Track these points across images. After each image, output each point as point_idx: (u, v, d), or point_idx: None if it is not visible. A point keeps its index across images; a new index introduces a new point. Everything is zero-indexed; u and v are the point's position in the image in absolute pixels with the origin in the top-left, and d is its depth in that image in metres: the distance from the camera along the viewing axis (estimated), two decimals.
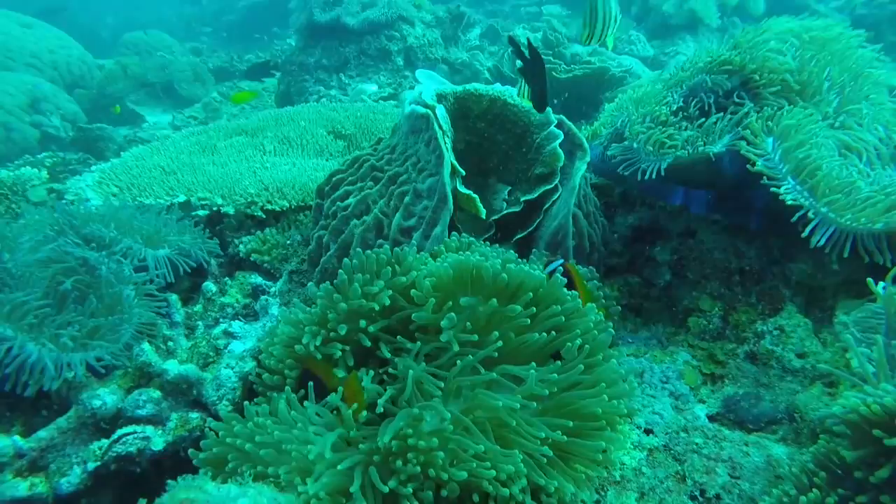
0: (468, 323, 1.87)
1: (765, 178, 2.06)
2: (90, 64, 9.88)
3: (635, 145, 2.53)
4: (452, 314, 1.85)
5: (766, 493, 1.59)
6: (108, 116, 8.77)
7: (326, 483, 1.67)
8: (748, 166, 2.14)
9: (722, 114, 2.32)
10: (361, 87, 8.64)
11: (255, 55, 12.26)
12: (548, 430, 1.61)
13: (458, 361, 1.83)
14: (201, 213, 3.62)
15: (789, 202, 1.96)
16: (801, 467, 1.48)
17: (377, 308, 2.00)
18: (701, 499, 1.63)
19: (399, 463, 1.64)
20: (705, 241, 2.71)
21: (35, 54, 9.04)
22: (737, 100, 2.37)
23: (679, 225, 3.01)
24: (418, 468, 1.60)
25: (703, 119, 2.41)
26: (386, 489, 1.61)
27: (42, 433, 2.36)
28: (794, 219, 1.95)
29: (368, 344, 1.99)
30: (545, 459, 1.59)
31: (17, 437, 2.35)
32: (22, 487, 2.25)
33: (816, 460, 1.46)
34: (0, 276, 2.54)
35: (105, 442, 2.35)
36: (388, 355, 1.98)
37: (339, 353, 2.00)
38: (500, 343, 1.78)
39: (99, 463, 2.31)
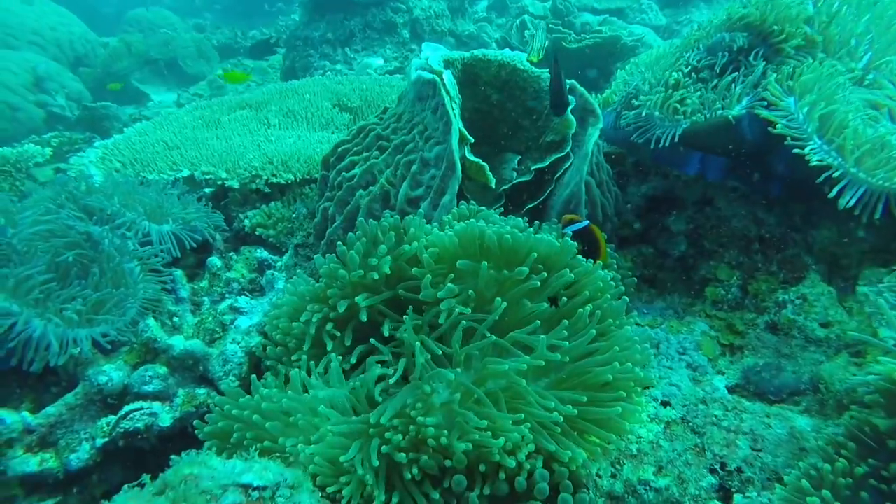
0: (471, 291, 1.80)
1: (788, 139, 1.96)
2: (93, 42, 9.78)
3: (647, 112, 2.43)
4: (451, 285, 1.79)
5: (791, 465, 1.53)
6: (113, 94, 8.70)
7: (327, 449, 1.63)
8: (770, 129, 2.04)
9: (738, 74, 2.20)
10: (367, 62, 8.48)
11: (260, 31, 12.08)
12: (558, 402, 1.55)
13: (464, 331, 1.77)
14: (207, 190, 3.56)
15: (814, 162, 1.86)
16: (829, 439, 1.42)
17: (377, 277, 1.93)
18: (721, 472, 1.57)
19: (399, 437, 1.59)
20: (722, 209, 2.61)
21: (37, 31, 8.95)
22: (754, 60, 2.25)
23: (695, 193, 2.91)
24: (425, 437, 1.55)
25: (719, 81, 2.29)
26: (376, 462, 1.56)
27: (51, 409, 2.34)
28: (821, 179, 1.85)
29: (364, 319, 1.93)
30: (558, 429, 1.53)
31: (25, 413, 2.33)
32: (32, 463, 2.24)
33: (847, 432, 1.39)
34: (4, 251, 2.50)
35: (113, 418, 2.33)
36: (387, 333, 1.92)
37: (330, 344, 1.95)
38: (503, 305, 1.71)
39: (107, 439, 2.29)
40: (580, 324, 1.73)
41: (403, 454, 1.56)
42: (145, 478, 1.48)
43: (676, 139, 2.20)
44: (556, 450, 1.49)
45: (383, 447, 1.60)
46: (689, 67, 2.34)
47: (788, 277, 2.22)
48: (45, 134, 6.96)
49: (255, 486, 1.49)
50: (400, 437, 1.59)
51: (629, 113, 2.50)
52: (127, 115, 7.89)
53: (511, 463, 1.50)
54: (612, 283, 1.84)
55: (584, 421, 1.59)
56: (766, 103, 2.08)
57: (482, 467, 1.55)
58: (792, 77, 2.10)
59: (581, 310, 1.73)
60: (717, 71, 2.31)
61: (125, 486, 1.44)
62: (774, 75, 2.08)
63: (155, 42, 9.74)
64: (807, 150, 1.90)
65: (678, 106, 2.23)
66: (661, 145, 2.24)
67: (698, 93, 2.19)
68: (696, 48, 2.43)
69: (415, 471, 1.57)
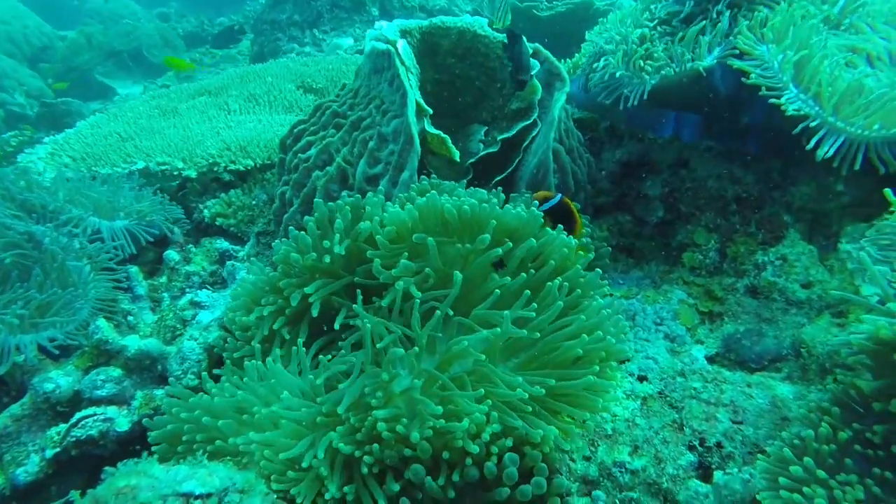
0: (428, 269, 1.68)
1: (763, 89, 1.83)
2: (50, 35, 9.42)
3: (612, 69, 2.28)
4: (407, 262, 1.66)
5: (773, 436, 1.43)
6: (78, 90, 8.41)
7: (280, 445, 1.52)
8: (743, 79, 1.91)
9: (706, 23, 2.06)
10: (337, 42, 8.24)
11: (228, 18, 11.72)
12: (526, 381, 1.44)
13: (427, 312, 1.65)
14: (174, 183, 3.38)
15: (791, 112, 1.73)
16: (812, 406, 1.32)
17: (329, 260, 1.80)
18: (700, 448, 1.47)
19: (354, 428, 1.47)
20: (698, 170, 2.50)
21: None
22: (723, 7, 2.11)
23: (670, 155, 2.79)
24: (380, 431, 1.44)
25: (686, 32, 2.15)
26: (325, 457, 1.44)
27: None
28: (797, 130, 1.73)
29: (315, 314, 1.81)
30: (528, 408, 1.42)
31: None
32: None
33: (832, 397, 1.30)
34: None
35: (64, 427, 2.20)
36: (337, 326, 1.80)
37: (279, 349, 1.82)
38: (460, 277, 1.59)
39: (58, 449, 2.16)
40: (549, 298, 1.61)
41: (356, 448, 1.45)
42: (73, 495, 1.36)
43: (646, 97, 2.06)
44: (524, 428, 1.38)
45: (340, 442, 1.49)
46: (656, 20, 2.20)
47: (768, 238, 2.11)
48: (4, 134, 6.71)
49: (196, 494, 1.37)
50: (355, 428, 1.48)
51: (595, 75, 2.36)
52: (91, 110, 7.62)
53: (475, 448, 1.39)
54: (581, 252, 1.71)
55: (554, 399, 1.49)
56: (738, 52, 1.95)
57: (446, 454, 1.44)
58: (765, 24, 1.97)
59: (550, 283, 1.61)
60: (683, 21, 2.17)
61: None
62: (746, 22, 1.94)
63: (116, 33, 9.40)
64: (783, 99, 1.77)
65: (643, 63, 2.09)
66: (630, 104, 2.11)
67: (663, 46, 2.05)
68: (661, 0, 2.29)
69: (373, 465, 1.45)
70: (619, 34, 2.26)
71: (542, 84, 2.71)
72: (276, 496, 1.54)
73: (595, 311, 1.53)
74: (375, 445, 1.44)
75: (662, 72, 2.04)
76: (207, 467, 1.48)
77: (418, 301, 1.60)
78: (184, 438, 1.61)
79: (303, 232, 1.95)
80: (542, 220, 1.79)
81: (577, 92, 3.17)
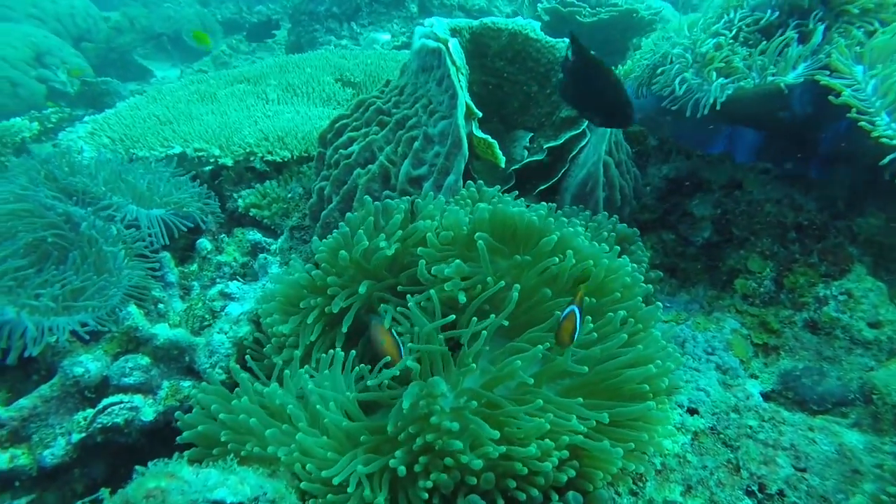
0: (489, 278, 1.59)
1: (854, 111, 1.70)
2: (95, 16, 9.52)
3: (683, 75, 2.16)
4: (459, 261, 1.58)
5: (844, 490, 1.33)
6: (116, 70, 8.49)
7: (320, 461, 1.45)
8: (831, 97, 1.77)
9: (790, 34, 1.93)
10: (374, 37, 8.21)
11: (266, 6, 11.77)
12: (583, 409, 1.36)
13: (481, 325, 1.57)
14: (207, 168, 3.36)
15: (884, 142, 1.60)
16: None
17: (388, 254, 1.73)
18: (760, 495, 1.38)
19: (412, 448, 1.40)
20: (754, 193, 2.38)
21: (36, 4, 8.72)
22: (812, 23, 1.98)
23: (722, 175, 2.68)
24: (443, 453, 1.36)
25: (768, 44, 2.02)
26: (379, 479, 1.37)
27: (24, 401, 2.19)
28: (885, 161, 1.61)
29: (351, 318, 1.74)
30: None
31: None
32: (2, 460, 2.09)
33: None
34: None
35: (91, 412, 2.18)
36: (387, 324, 1.73)
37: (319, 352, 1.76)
38: (518, 289, 1.52)
39: (84, 434, 2.14)
40: (608, 327, 1.52)
41: (412, 469, 1.38)
42: (104, 492, 1.31)
43: (718, 107, 1.95)
44: (595, 449, 1.28)
45: (392, 462, 1.41)
46: (735, 28, 2.07)
47: (831, 270, 2.00)
48: (45, 110, 6.78)
49: (227, 502, 1.32)
50: (409, 450, 1.40)
51: (660, 78, 2.24)
52: (128, 90, 7.68)
53: (541, 480, 1.31)
54: (640, 280, 1.62)
55: (608, 427, 1.40)
56: (828, 71, 1.82)
57: (511, 482, 1.35)
58: (862, 44, 1.84)
59: (611, 314, 1.52)
60: (761, 32, 2.05)
61: None
62: (843, 40, 1.82)
63: (158, 16, 9.49)
64: (878, 126, 1.63)
65: (715, 73, 1.97)
66: (698, 114, 1.99)
67: (742, 56, 1.94)
68: (740, 7, 2.16)
69: (431, 490, 1.37)
70: (688, 40, 2.15)
71: None
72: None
73: (653, 342, 1.45)
74: (435, 472, 1.36)
75: (740, 83, 1.93)
76: (238, 474, 1.43)
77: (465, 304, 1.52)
78: (223, 439, 1.55)
79: (346, 231, 1.89)
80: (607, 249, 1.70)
81: None
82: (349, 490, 1.37)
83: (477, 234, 1.65)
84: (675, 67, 2.11)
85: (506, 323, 1.54)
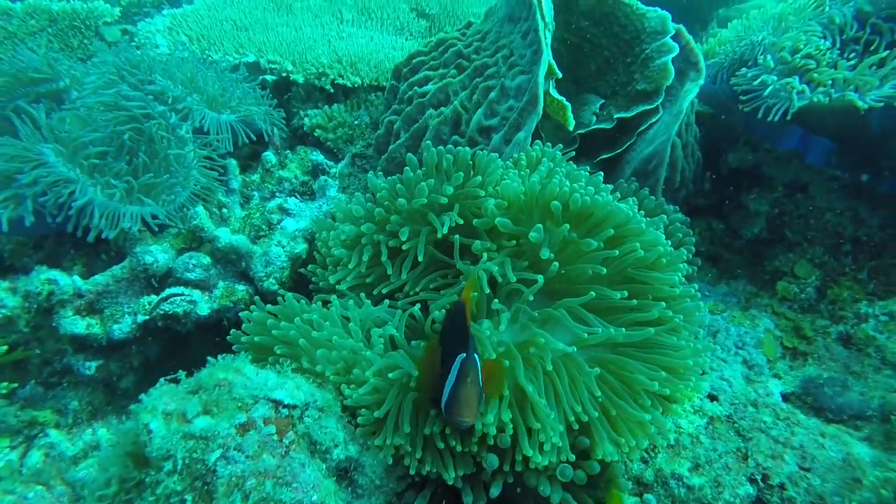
0: (545, 251, 1.67)
1: None
2: None
3: (763, 78, 2.14)
4: (540, 225, 1.67)
5: (840, 494, 1.43)
6: None
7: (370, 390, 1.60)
8: None
9: (887, 52, 1.89)
10: None
11: None
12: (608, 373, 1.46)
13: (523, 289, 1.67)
14: (269, 77, 3.43)
15: None
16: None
17: (443, 201, 1.82)
18: (762, 484, 1.49)
19: None
20: (817, 199, 2.38)
21: None
22: None
23: (788, 174, 2.66)
24: None
25: (862, 57, 1.98)
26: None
27: (99, 278, 2.38)
28: None
29: (421, 257, 1.84)
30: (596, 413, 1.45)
31: (76, 277, 2.38)
32: (80, 325, 2.31)
33: None
34: (69, 116, 2.46)
35: (154, 298, 2.37)
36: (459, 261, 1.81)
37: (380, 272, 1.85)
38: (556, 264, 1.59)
39: (147, 317, 2.33)
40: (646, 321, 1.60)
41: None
42: (181, 374, 1.48)
43: (789, 116, 1.95)
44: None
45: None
46: (833, 27, 2.02)
47: (878, 290, 2.03)
48: None
49: (285, 403, 1.48)
50: None
51: (741, 76, 2.22)
52: None
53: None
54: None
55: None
56: None
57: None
58: None
59: (653, 311, 1.58)
60: (853, 39, 2.00)
61: (161, 380, 1.44)
62: None
63: None
64: None
65: (798, 81, 1.95)
66: (770, 118, 1.99)
67: (831, 69, 1.91)
68: (843, 5, 2.09)
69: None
70: (775, 40, 2.11)
71: (675, 69, 2.58)
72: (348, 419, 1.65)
73: (691, 349, 1.53)
74: None
75: (814, 97, 1.91)
76: (294, 380, 1.58)
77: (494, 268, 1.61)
78: (277, 351, 1.70)
79: (411, 176, 1.96)
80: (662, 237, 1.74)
81: (704, 83, 3.01)
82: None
83: (527, 205, 1.71)
84: (762, 65, 2.08)
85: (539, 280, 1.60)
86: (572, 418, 1.39)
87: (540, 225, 1.67)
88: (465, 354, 1.34)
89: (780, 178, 2.62)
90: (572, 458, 1.40)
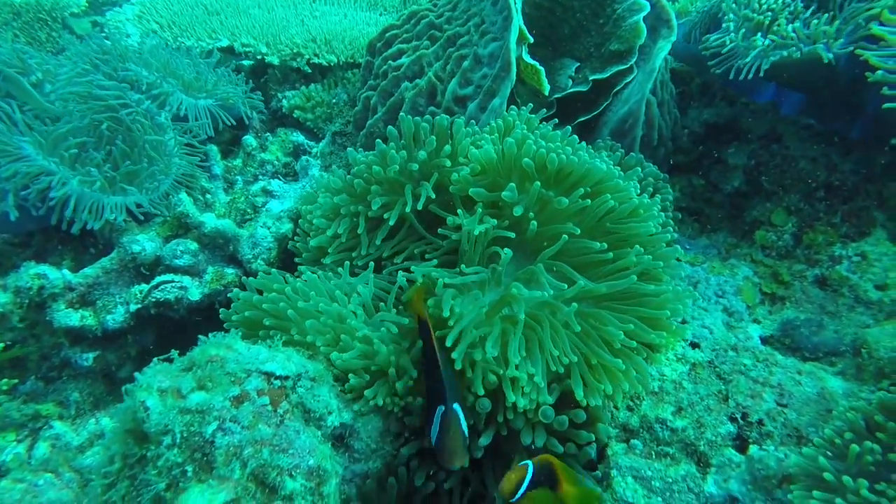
0: (519, 209, 1.71)
1: (885, 89, 1.73)
2: None
3: (733, 39, 2.15)
4: (513, 184, 1.70)
5: (815, 425, 1.49)
6: None
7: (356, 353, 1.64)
8: (867, 74, 1.80)
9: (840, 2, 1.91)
10: None
11: None
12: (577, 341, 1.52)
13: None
14: (246, 62, 3.41)
15: None
16: (861, 407, 1.37)
17: (414, 169, 1.85)
18: (742, 422, 1.55)
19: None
20: (791, 148, 2.41)
21: None
22: None
23: (763, 125, 2.69)
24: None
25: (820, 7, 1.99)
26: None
27: (89, 270, 2.41)
28: None
29: (392, 222, 1.87)
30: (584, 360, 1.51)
31: (66, 271, 2.40)
32: (74, 318, 2.34)
33: (880, 402, 1.34)
34: (42, 109, 2.45)
35: (145, 286, 2.39)
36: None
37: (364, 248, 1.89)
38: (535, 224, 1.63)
39: (140, 305, 2.37)
40: (626, 271, 1.64)
41: None
42: (174, 353, 1.52)
43: (761, 73, 1.97)
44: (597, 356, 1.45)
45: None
46: None
47: (851, 232, 2.07)
48: None
49: (277, 374, 1.52)
50: None
51: (710, 36, 2.24)
52: None
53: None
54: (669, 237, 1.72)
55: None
56: (868, 35, 1.82)
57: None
58: None
59: (630, 260, 1.62)
60: None
61: (155, 360, 1.47)
62: (891, 1, 1.80)
63: None
64: None
65: (770, 39, 1.97)
66: (742, 77, 2.01)
67: (793, 24, 1.93)
68: None
69: None
70: None
71: (648, 28, 2.59)
72: (340, 388, 1.70)
73: (667, 290, 1.57)
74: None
75: (784, 52, 1.93)
76: (285, 352, 1.62)
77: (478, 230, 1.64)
78: (266, 323, 1.74)
79: (384, 148, 1.98)
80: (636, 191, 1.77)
81: (677, 41, 3.02)
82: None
83: (501, 167, 1.74)
84: (726, 26, 2.10)
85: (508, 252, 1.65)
86: (554, 367, 1.45)
87: (513, 184, 1.70)
88: (444, 407, 1.39)
89: (756, 130, 2.66)
90: (550, 399, 1.46)
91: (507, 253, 1.64)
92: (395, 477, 1.63)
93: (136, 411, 1.35)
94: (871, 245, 2.03)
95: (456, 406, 1.39)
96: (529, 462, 1.33)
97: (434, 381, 1.47)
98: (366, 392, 1.56)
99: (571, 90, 2.66)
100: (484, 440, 1.53)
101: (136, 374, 1.39)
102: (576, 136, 2.03)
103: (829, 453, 1.29)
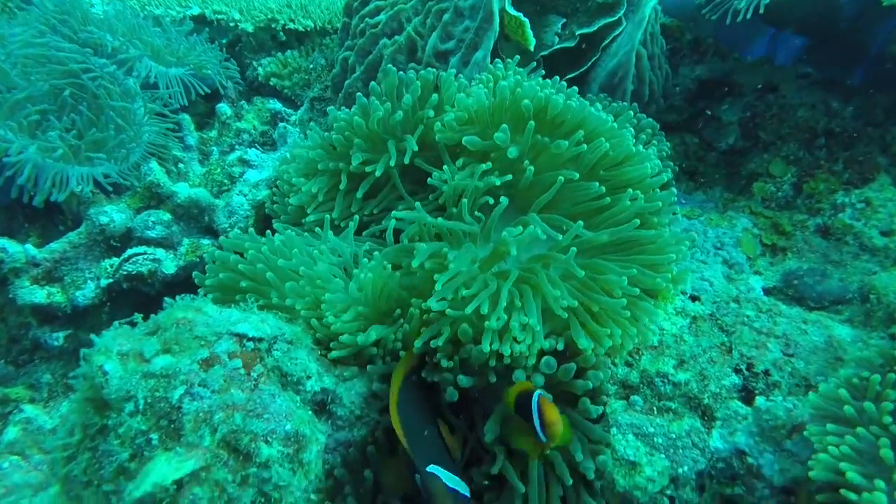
0: (514, 150, 1.60)
1: None
2: None
3: None
4: (506, 126, 1.59)
5: (824, 374, 1.41)
6: None
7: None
8: None
9: None
10: None
11: None
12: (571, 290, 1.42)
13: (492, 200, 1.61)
14: (226, 38, 3.25)
15: None
16: (879, 350, 1.28)
17: (397, 118, 1.73)
18: (747, 373, 1.46)
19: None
20: (788, 97, 2.32)
21: None
22: None
23: (757, 78, 2.59)
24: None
25: None
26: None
27: (55, 245, 2.28)
28: None
29: (378, 174, 1.76)
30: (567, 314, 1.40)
31: (29, 246, 2.28)
32: (40, 294, 2.22)
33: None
34: None
35: (116, 260, 2.27)
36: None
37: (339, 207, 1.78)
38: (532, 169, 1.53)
39: (111, 280, 2.25)
40: (623, 215, 1.54)
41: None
42: (137, 317, 1.41)
43: (761, 10, 1.86)
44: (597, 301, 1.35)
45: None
46: None
47: (854, 178, 1.98)
48: None
49: (250, 336, 1.41)
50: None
51: None
52: None
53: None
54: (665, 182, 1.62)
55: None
56: None
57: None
58: None
59: (625, 204, 1.52)
60: None
61: (115, 323, 1.36)
62: None
63: None
64: None
65: None
66: (740, 19, 1.91)
67: None
68: None
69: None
70: None
71: None
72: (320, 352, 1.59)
73: (667, 242, 1.48)
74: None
75: None
76: (259, 314, 1.52)
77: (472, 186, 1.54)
78: (242, 285, 1.63)
79: (365, 102, 1.86)
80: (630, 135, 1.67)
81: None
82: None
83: (493, 115, 1.64)
84: None
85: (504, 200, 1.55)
86: (554, 309, 1.34)
87: (506, 126, 1.59)
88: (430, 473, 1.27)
89: (750, 84, 2.56)
90: (545, 345, 1.36)
91: (503, 200, 1.54)
92: (374, 445, 1.52)
93: (93, 377, 1.24)
94: (875, 191, 1.94)
95: (432, 467, 1.27)
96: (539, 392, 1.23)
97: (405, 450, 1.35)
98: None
99: (558, 46, 2.55)
100: (463, 380, 1.41)
101: (93, 337, 1.28)
102: (565, 83, 1.92)
103: (843, 392, 1.20)
